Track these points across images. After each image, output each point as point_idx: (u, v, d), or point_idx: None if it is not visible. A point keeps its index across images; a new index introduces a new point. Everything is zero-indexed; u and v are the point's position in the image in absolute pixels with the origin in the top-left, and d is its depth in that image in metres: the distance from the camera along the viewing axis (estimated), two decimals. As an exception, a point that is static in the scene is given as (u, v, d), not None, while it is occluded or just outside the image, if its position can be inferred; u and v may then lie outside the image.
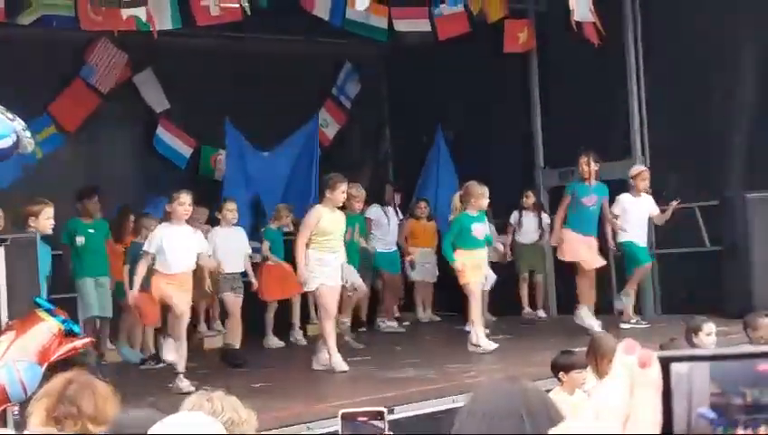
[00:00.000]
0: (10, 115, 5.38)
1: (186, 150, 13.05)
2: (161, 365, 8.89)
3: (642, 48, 11.59)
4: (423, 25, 11.59)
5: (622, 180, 11.02)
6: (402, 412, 6.69)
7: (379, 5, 10.89)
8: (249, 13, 9.60)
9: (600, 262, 10.19)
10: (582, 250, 10.07)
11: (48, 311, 6.57)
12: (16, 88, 9.91)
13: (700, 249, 11.01)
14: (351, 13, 10.92)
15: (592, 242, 10.16)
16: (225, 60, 12.86)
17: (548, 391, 4.38)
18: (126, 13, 9.50)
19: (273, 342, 10.81)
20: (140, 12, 9.59)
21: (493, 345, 9.23)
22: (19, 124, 5.56)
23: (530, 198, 12.10)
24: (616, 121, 11.71)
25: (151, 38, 10.00)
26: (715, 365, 0.87)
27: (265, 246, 10.91)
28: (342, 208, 8.91)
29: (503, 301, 11.62)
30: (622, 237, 10.37)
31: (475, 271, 9.40)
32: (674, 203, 10.46)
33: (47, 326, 6.37)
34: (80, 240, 9.76)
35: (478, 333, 9.32)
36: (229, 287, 9.69)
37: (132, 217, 10.61)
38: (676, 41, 11.14)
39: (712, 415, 0.86)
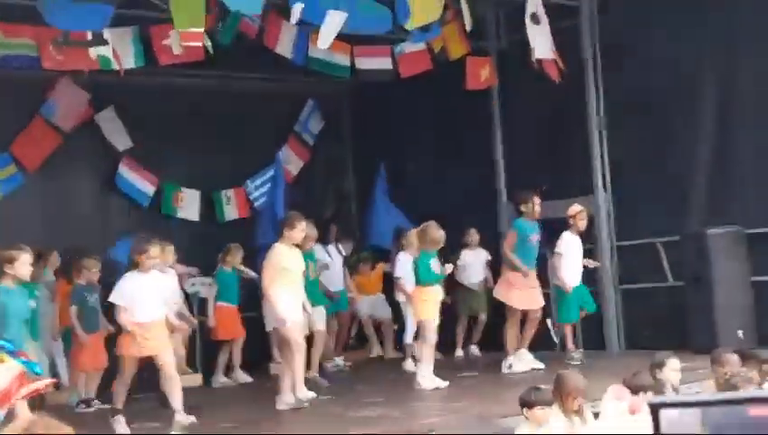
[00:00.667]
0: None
1: (148, 189, 12.98)
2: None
3: (602, 84, 11.70)
4: (385, 63, 11.65)
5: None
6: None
7: (342, 43, 10.92)
8: (212, 52, 9.60)
9: (541, 303, 10.33)
10: (532, 296, 10.20)
11: (10, 353, 6.47)
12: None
13: (663, 284, 11.09)
14: (314, 50, 10.95)
15: (535, 282, 10.28)
16: (187, 98, 12.85)
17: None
18: (90, 52, 9.47)
19: (221, 380, 11.18)
20: (105, 50, 9.56)
21: (443, 383, 9.29)
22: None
23: (474, 236, 12.12)
24: (578, 157, 11.78)
25: (113, 76, 9.97)
26: (707, 411, 0.87)
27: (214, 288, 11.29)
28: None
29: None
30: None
31: (434, 308, 9.53)
32: (590, 263, 10.81)
33: (7, 368, 6.28)
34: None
35: (424, 371, 9.41)
36: None
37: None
38: (637, 77, 11.26)
39: (703, 462, 0.86)
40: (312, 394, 8.65)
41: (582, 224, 10.51)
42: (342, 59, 11.51)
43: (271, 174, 13.83)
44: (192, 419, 7.86)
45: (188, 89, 12.82)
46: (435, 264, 9.60)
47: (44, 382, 6.60)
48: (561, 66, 11.19)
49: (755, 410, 0.86)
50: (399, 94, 12.79)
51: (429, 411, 8.02)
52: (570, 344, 10.51)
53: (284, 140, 14.11)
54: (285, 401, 8.61)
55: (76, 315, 9.81)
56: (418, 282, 9.60)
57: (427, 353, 9.44)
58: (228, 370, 11.35)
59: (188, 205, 13.30)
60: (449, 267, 9.73)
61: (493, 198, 12.79)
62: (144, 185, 12.97)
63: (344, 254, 12.27)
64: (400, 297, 10.63)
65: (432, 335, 9.46)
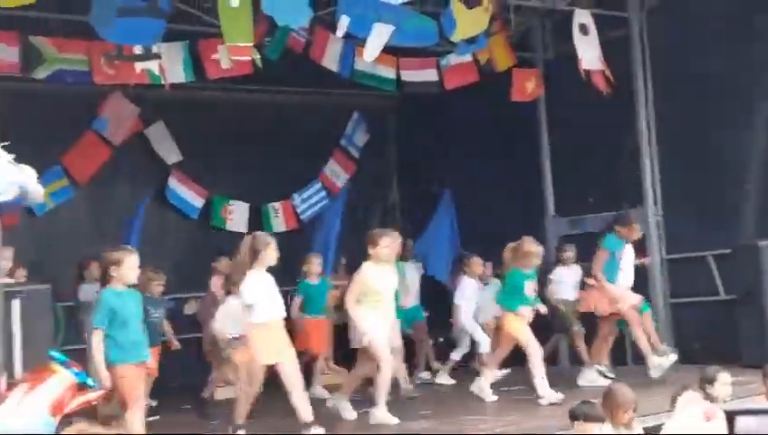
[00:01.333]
0: (17, 167, 5.38)
1: (197, 201, 13.12)
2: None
3: (653, 95, 11.61)
4: (430, 75, 11.66)
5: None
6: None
7: (387, 56, 10.96)
8: (260, 65, 9.67)
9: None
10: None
11: (62, 363, 6.54)
12: (31, 140, 9.93)
13: (714, 298, 10.96)
14: (360, 63, 11.00)
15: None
16: (235, 111, 12.97)
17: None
18: (139, 66, 9.59)
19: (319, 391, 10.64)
20: (153, 65, 9.67)
21: (559, 396, 8.88)
22: (28, 175, 5.57)
23: (569, 253, 11.28)
24: (627, 169, 11.70)
25: (162, 91, 10.09)
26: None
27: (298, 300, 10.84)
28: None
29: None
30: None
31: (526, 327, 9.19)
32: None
33: (60, 378, 6.34)
34: None
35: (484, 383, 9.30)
36: None
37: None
38: (687, 87, 11.12)
39: (780, 472, 0.85)
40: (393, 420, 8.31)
41: (635, 234, 10.19)
42: (388, 72, 11.55)
43: (318, 186, 13.96)
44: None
45: (236, 103, 12.93)
46: (530, 285, 9.24)
47: (97, 394, 6.65)
48: (609, 77, 11.12)
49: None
50: (445, 107, 12.78)
51: (477, 426, 7.98)
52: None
53: (330, 153, 14.18)
54: (376, 414, 8.31)
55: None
56: (507, 305, 9.25)
57: (538, 370, 9.05)
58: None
59: (237, 217, 13.42)
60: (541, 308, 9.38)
61: (540, 211, 12.73)
62: (193, 197, 13.12)
63: (422, 271, 12.02)
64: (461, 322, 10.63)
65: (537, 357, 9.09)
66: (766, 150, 10.76)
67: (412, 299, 11.32)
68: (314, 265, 10.96)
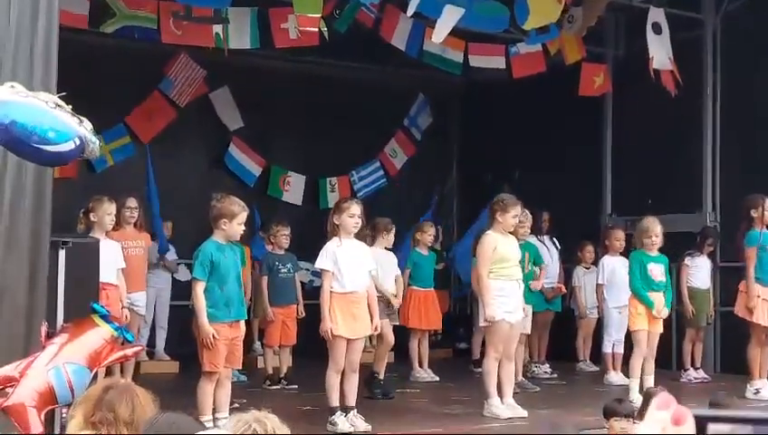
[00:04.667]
0: (78, 118, 5.41)
1: (256, 169, 13.18)
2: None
3: (720, 101, 11.41)
4: (498, 62, 11.53)
5: (690, 233, 10.83)
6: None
7: (457, 39, 10.88)
8: (327, 38, 9.65)
9: None
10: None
11: (103, 317, 6.61)
12: (95, 95, 10.07)
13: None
14: (428, 44, 10.93)
15: None
16: (299, 83, 12.98)
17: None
18: (207, 29, 9.63)
19: (421, 374, 10.44)
20: (220, 29, 9.71)
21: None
22: (86, 128, 5.61)
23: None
24: (688, 173, 11.52)
25: (229, 56, 10.12)
26: (759, 429, 0.81)
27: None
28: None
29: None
30: None
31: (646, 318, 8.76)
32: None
33: (101, 332, 6.41)
34: None
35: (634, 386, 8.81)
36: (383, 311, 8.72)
37: None
38: (756, 97, 10.95)
39: (750, 483, 0.80)
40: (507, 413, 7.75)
41: None
42: (456, 55, 11.45)
43: (376, 165, 13.93)
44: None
45: (301, 74, 12.95)
46: (656, 267, 8.80)
47: (134, 349, 6.72)
48: (678, 78, 10.93)
49: (813, 434, 0.80)
50: (510, 96, 12.66)
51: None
52: None
53: (391, 132, 14.14)
54: (493, 405, 7.78)
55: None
56: (634, 288, 8.81)
57: (636, 367, 8.72)
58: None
59: (294, 189, 13.47)
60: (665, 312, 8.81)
61: (597, 209, 12.58)
62: (252, 165, 13.18)
63: (559, 247, 11.41)
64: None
65: (641, 349, 8.72)
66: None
67: None
68: (428, 234, 10.67)
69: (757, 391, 9.09)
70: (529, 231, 9.76)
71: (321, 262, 7.27)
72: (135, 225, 9.24)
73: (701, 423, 0.79)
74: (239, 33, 9.96)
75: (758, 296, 9.22)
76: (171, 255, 11.03)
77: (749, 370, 9.27)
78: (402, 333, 10.35)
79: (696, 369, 10.68)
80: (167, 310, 10.98)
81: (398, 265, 9.72)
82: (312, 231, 11.91)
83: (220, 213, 6.78)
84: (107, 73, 11.71)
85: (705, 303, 10.64)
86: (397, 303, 9.38)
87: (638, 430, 0.78)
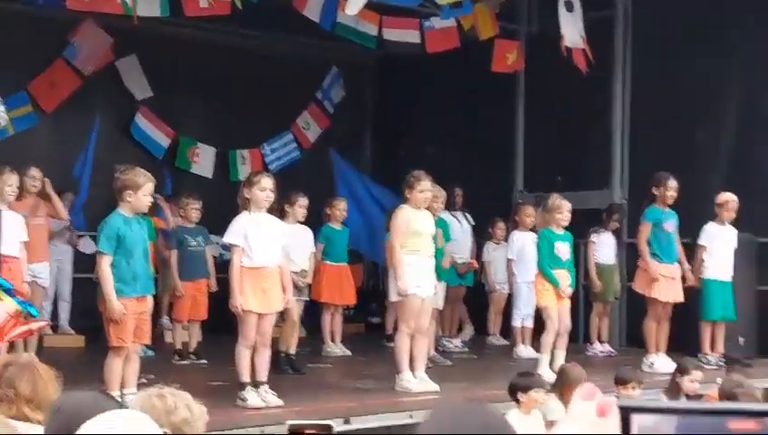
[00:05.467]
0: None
1: (164, 140, 12.94)
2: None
3: (630, 79, 11.58)
4: (413, 36, 11.50)
5: (599, 210, 11.00)
6: (359, 423, 6.62)
7: (371, 12, 10.80)
8: (240, 7, 9.49)
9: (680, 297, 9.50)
10: (673, 287, 9.46)
11: (6, 291, 6.44)
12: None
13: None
14: (342, 17, 10.83)
15: (677, 273, 9.54)
16: (210, 53, 12.77)
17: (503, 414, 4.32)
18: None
19: (333, 349, 10.35)
20: (128, -4, 9.46)
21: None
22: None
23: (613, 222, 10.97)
24: (598, 151, 11.69)
25: (138, 24, 9.88)
26: (684, 420, 0.78)
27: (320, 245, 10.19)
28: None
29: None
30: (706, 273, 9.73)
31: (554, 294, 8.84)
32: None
33: (4, 306, 6.24)
34: None
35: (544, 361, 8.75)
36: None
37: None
38: (665, 76, 11.15)
39: (673, 475, 0.78)
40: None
41: (727, 214, 9.68)
42: (370, 28, 11.36)
43: (289, 138, 13.82)
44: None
45: (212, 44, 12.74)
46: (562, 246, 8.87)
47: (39, 324, 6.56)
48: (590, 57, 11.05)
49: (735, 424, 0.78)
50: (424, 71, 12.68)
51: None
52: (705, 346, 9.65)
53: (304, 105, 14.04)
54: (405, 380, 7.80)
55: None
56: (540, 266, 8.85)
57: (548, 342, 8.75)
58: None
59: (203, 160, 13.28)
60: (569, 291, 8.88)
61: (510, 186, 12.69)
62: (160, 136, 12.94)
63: (472, 223, 11.40)
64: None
65: (554, 323, 8.76)
66: (734, 148, 10.77)
67: None
68: (338, 209, 10.54)
69: (652, 364, 9.32)
70: (443, 207, 9.78)
71: (230, 237, 7.16)
72: (38, 195, 9.01)
73: (625, 414, 0.76)
74: (148, 1, 9.73)
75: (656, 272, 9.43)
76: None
77: (645, 344, 9.49)
78: (315, 309, 10.32)
79: (601, 343, 10.89)
80: (69, 282, 10.76)
81: None
82: (223, 204, 11.83)
83: (124, 185, 6.61)
84: (8, 40, 11.34)
85: (611, 278, 10.84)
86: (303, 282, 9.27)
87: (564, 423, 0.74)
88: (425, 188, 7.90)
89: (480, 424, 1.89)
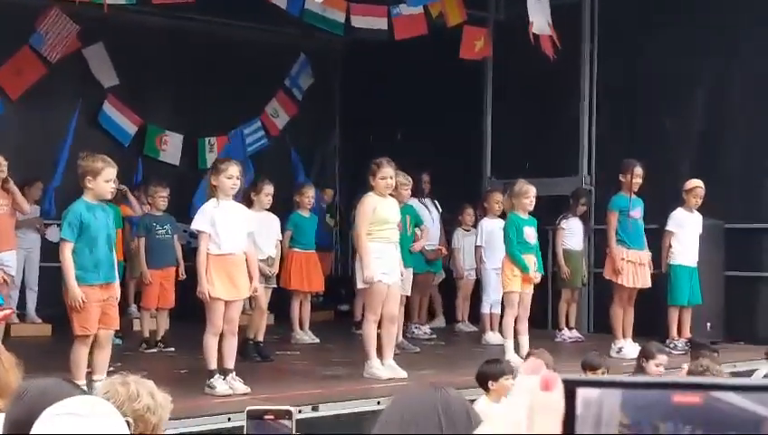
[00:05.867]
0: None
1: (131, 128, 12.87)
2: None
3: (597, 67, 11.63)
4: (380, 23, 11.48)
5: (566, 197, 11.05)
6: (327, 410, 6.62)
7: (339, -1, 10.79)
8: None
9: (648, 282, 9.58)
10: (641, 273, 9.53)
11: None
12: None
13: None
14: (310, 3, 10.80)
15: (645, 259, 9.58)
16: (178, 41, 12.71)
17: (472, 401, 4.33)
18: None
19: (302, 337, 10.29)
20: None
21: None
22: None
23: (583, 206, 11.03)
24: (565, 137, 11.73)
25: (103, 12, 9.80)
26: (628, 394, 0.79)
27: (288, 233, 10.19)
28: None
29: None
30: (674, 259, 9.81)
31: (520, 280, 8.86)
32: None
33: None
34: None
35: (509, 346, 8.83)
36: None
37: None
38: (632, 62, 11.21)
39: (619, 449, 0.78)
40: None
41: (695, 200, 9.73)
42: (338, 15, 11.34)
43: (257, 125, 13.78)
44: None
45: (180, 32, 12.68)
46: (530, 230, 8.90)
47: (4, 312, 6.52)
48: (557, 44, 11.07)
49: (680, 397, 0.78)
50: (392, 58, 12.66)
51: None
52: (673, 331, 9.73)
53: (272, 92, 13.98)
54: (373, 367, 7.80)
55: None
56: (510, 251, 8.86)
57: (509, 327, 8.81)
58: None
59: (171, 148, 13.21)
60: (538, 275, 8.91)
61: (479, 172, 12.71)
62: (127, 124, 12.87)
63: (440, 210, 11.33)
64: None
65: (515, 309, 8.80)
66: (701, 135, 10.84)
67: None
68: (306, 196, 10.49)
69: (620, 350, 9.38)
70: (410, 193, 9.78)
71: (198, 223, 7.15)
72: (2, 183, 8.93)
73: (570, 388, 0.76)
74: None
75: (623, 259, 9.49)
76: (35, 213, 10.72)
77: (613, 330, 9.55)
78: (283, 296, 10.29)
79: (570, 329, 10.94)
80: (36, 271, 10.69)
81: None
82: (191, 192, 11.82)
83: (84, 171, 6.57)
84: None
85: (579, 264, 10.90)
86: (270, 270, 9.24)
87: (508, 398, 0.74)
88: (386, 174, 7.88)
89: (442, 408, 1.91)
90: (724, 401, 0.80)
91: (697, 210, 9.86)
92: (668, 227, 9.82)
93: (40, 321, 10.70)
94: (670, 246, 9.82)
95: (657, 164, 10.44)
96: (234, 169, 7.18)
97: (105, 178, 6.54)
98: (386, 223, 7.86)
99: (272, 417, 2.03)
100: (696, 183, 9.78)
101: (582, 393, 0.79)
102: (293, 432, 2.00)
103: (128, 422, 2.27)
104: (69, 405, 2.11)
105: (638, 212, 9.58)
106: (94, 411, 2.09)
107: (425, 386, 2.17)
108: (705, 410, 0.80)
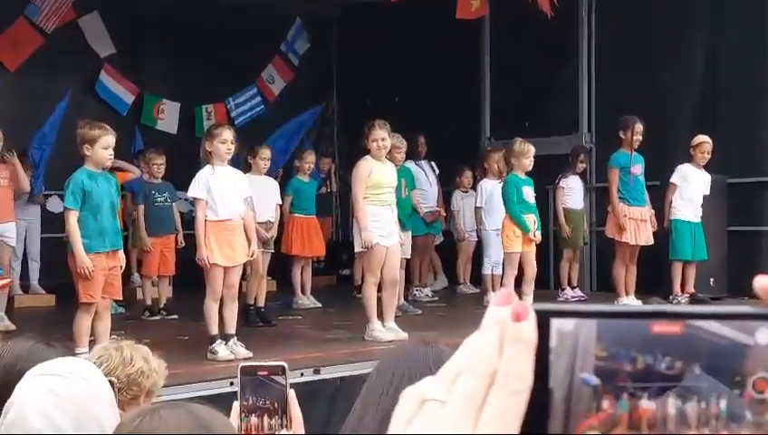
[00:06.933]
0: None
1: (128, 97, 12.82)
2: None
3: (595, 23, 11.54)
4: (376, -16, 11.40)
5: (566, 156, 11.00)
6: (328, 373, 6.63)
7: (333, -38, 10.70)
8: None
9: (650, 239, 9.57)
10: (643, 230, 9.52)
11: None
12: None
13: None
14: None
15: (646, 216, 9.58)
16: (172, 8, 12.58)
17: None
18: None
19: (303, 301, 10.32)
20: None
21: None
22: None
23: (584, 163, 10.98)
24: (565, 96, 11.67)
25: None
26: (604, 324, 0.76)
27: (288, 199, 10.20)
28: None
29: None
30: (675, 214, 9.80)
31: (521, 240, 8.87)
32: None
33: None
34: None
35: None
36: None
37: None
38: (630, 20, 11.11)
39: (594, 381, 0.75)
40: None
41: (702, 156, 9.69)
42: (333, -22, 11.28)
43: (253, 91, 13.71)
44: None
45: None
46: (528, 190, 8.94)
47: (3, 281, 6.51)
48: (554, 1, 10.96)
49: (659, 327, 0.75)
50: (388, 20, 12.55)
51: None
52: (676, 287, 9.75)
53: (268, 58, 13.90)
54: (375, 329, 7.80)
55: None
56: (511, 211, 8.87)
57: (510, 288, 8.76)
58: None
59: (168, 117, 13.17)
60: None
61: (477, 133, 12.66)
62: (124, 93, 12.82)
63: (437, 171, 11.33)
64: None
65: (515, 269, 8.83)
66: (701, 90, 10.77)
67: None
68: (306, 161, 10.50)
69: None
70: (404, 156, 9.74)
71: (194, 190, 7.14)
72: (0, 155, 8.90)
73: (543, 318, 0.74)
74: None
75: (625, 216, 9.45)
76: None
77: (615, 288, 9.52)
78: (284, 262, 10.28)
79: (572, 288, 10.93)
80: (38, 242, 10.69)
81: None
82: (190, 160, 11.74)
83: (82, 139, 6.55)
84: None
85: (580, 223, 10.86)
86: (267, 235, 9.20)
87: (478, 331, 0.72)
88: (377, 136, 7.85)
89: (433, 362, 1.89)
90: (705, 330, 0.77)
91: (705, 169, 9.79)
92: (672, 180, 9.79)
93: (43, 292, 10.71)
94: (671, 200, 9.78)
95: (657, 121, 10.38)
96: (228, 134, 7.15)
97: (103, 146, 6.51)
98: (382, 187, 7.84)
99: (265, 373, 2.01)
100: (702, 138, 9.73)
101: (557, 324, 0.76)
102: (288, 388, 1.98)
103: (111, 383, 2.25)
104: (53, 366, 2.10)
105: (638, 168, 9.53)
106: (77, 373, 2.08)
107: (415, 342, 2.16)
108: (684, 340, 0.78)
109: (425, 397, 0.73)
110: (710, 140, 9.69)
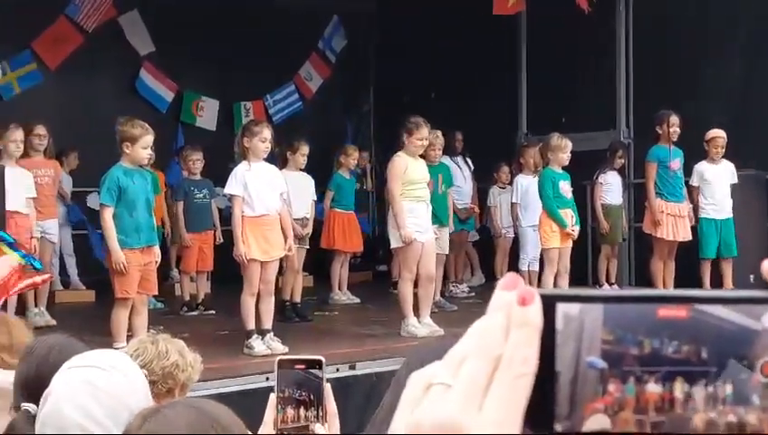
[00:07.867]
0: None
1: (168, 95, 12.93)
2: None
3: (633, 19, 11.46)
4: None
5: (603, 151, 10.94)
6: (364, 369, 6.66)
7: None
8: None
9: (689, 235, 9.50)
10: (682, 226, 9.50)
11: (9, 245, 6.46)
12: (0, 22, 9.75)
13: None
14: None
15: (684, 211, 9.56)
16: (210, 6, 12.67)
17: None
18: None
19: (340, 297, 10.35)
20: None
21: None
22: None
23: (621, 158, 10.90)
24: (602, 91, 11.60)
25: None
26: (610, 309, 0.77)
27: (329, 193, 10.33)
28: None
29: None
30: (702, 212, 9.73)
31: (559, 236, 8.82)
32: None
33: (7, 260, 6.26)
34: None
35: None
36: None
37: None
38: (668, 14, 11.02)
39: (601, 365, 0.76)
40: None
41: (716, 150, 9.62)
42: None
43: (291, 88, 13.77)
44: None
45: (214, -3, 12.66)
46: (565, 184, 8.88)
47: (43, 277, 6.59)
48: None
49: (665, 311, 0.76)
50: (426, 17, 12.56)
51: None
52: (705, 285, 9.62)
53: (306, 55, 13.95)
54: (410, 325, 7.86)
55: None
56: (548, 207, 8.82)
57: (549, 284, 8.71)
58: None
59: (207, 114, 13.26)
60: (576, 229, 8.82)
61: (514, 129, 12.62)
62: (164, 91, 12.93)
63: (472, 167, 11.33)
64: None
65: (554, 266, 8.80)
66: (740, 81, 10.65)
67: None
68: (351, 157, 10.57)
69: None
70: (441, 153, 9.75)
71: (231, 187, 7.21)
72: (44, 152, 9.03)
73: (549, 303, 0.75)
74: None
75: (662, 212, 9.39)
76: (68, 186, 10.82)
77: (653, 284, 9.48)
78: (321, 258, 10.32)
79: (611, 284, 10.86)
80: (70, 237, 10.79)
81: None
82: (229, 157, 11.81)
83: (122, 137, 6.63)
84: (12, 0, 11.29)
85: (618, 219, 10.79)
86: (303, 232, 9.24)
87: (484, 316, 0.73)
88: (423, 136, 7.93)
89: None
90: (712, 315, 0.78)
91: (729, 160, 9.71)
92: (691, 182, 9.75)
93: (83, 287, 10.83)
94: (698, 200, 9.73)
95: (696, 116, 10.30)
96: (267, 132, 7.22)
97: (143, 145, 6.61)
98: (416, 182, 7.90)
99: (302, 366, 2.01)
100: (715, 133, 9.66)
101: (563, 309, 0.77)
102: (324, 381, 1.99)
103: (144, 375, 2.29)
104: (90, 358, 2.13)
105: (677, 163, 9.46)
106: (114, 365, 2.11)
107: (444, 337, 2.17)
108: (691, 324, 0.78)
109: (431, 381, 0.75)
110: (724, 134, 9.61)
